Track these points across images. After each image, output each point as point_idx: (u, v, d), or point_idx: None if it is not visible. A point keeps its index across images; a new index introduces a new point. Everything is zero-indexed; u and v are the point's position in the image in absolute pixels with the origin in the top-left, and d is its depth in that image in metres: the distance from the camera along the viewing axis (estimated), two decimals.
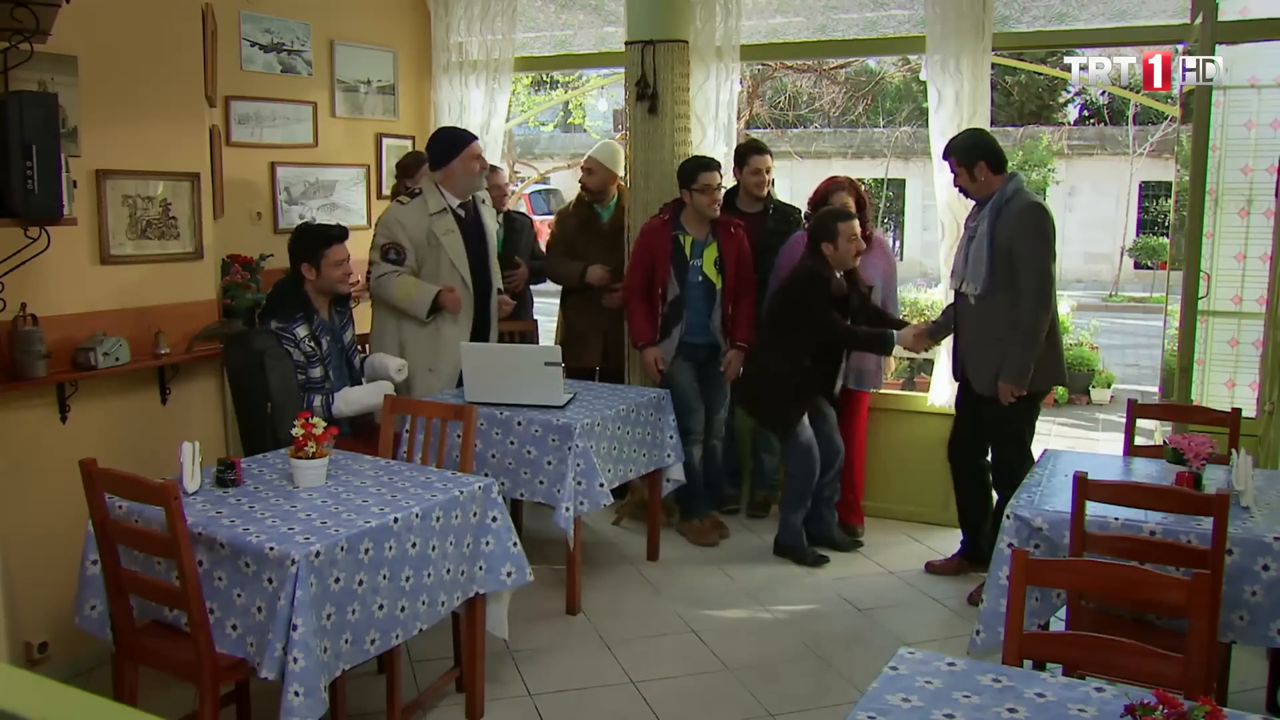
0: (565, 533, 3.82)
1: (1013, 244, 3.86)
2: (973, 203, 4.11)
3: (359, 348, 4.13)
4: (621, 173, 5.09)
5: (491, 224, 4.53)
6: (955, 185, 4.14)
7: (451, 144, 4.28)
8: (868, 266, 4.56)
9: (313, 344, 3.77)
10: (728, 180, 4.83)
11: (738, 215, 4.79)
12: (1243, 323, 4.84)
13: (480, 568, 3.06)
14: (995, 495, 4.22)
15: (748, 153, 4.88)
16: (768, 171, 4.85)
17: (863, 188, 4.74)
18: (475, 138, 4.39)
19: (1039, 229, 3.87)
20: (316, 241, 3.79)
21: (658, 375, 4.60)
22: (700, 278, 4.62)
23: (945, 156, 4.15)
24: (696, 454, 4.68)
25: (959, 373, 4.22)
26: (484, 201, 4.49)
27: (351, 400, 3.87)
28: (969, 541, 4.35)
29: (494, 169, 5.12)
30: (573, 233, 5.12)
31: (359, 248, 4.46)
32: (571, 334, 5.15)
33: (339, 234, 3.84)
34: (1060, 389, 7.94)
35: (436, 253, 4.25)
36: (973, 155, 4.00)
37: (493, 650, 3.39)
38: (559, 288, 5.29)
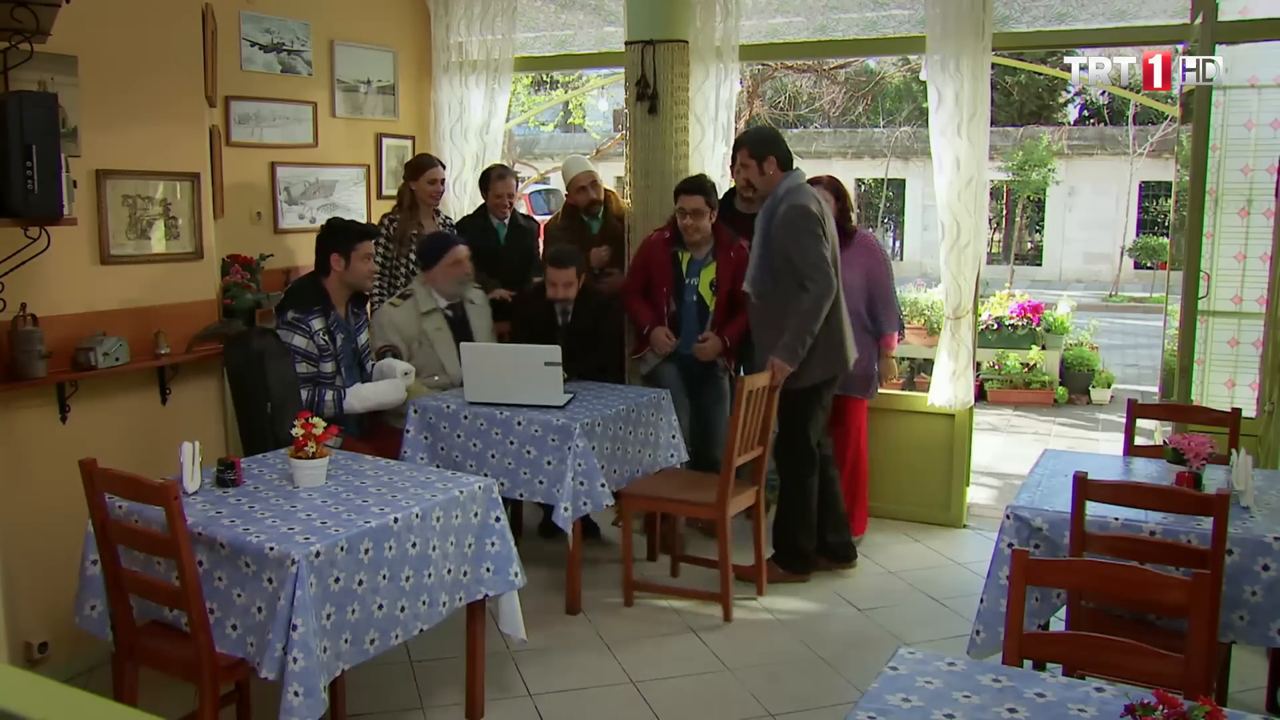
0: (565, 533, 3.82)
1: (786, 244, 3.93)
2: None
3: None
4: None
5: (481, 324, 4.61)
6: (739, 179, 4.15)
7: (435, 251, 4.45)
8: (849, 264, 4.34)
9: (326, 337, 3.84)
10: (724, 183, 4.79)
11: (736, 217, 4.71)
12: (1243, 323, 4.84)
13: (487, 569, 3.06)
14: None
15: (733, 151, 4.82)
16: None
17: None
18: (458, 244, 4.48)
19: (807, 229, 3.91)
20: (350, 235, 3.94)
21: (668, 347, 4.48)
22: (695, 297, 4.49)
23: (736, 149, 4.13)
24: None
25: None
26: (473, 302, 4.60)
27: (363, 396, 3.92)
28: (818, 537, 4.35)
29: (502, 176, 5.09)
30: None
31: None
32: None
33: (371, 231, 4.17)
34: (1060, 389, 7.97)
35: (427, 349, 4.43)
36: (765, 149, 4.03)
37: (493, 650, 3.39)
38: None
